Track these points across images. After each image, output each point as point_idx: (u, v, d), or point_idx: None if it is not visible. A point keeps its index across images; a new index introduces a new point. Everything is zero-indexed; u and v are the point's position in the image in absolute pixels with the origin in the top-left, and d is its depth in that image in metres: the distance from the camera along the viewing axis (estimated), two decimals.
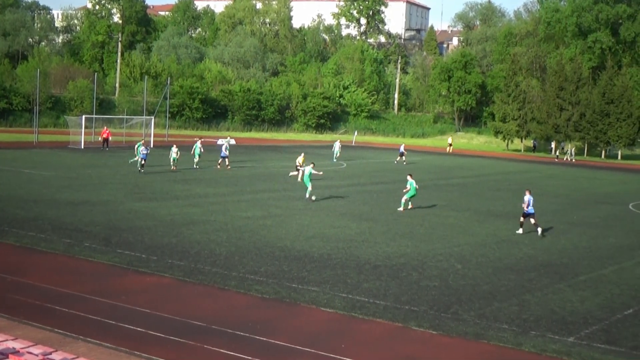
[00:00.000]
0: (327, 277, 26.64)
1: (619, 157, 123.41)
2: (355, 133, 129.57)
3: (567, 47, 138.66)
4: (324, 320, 21.78)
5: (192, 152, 65.07)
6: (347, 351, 19.06)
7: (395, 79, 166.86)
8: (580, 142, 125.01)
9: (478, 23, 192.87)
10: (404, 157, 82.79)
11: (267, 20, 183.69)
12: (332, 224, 38.37)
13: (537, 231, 38.64)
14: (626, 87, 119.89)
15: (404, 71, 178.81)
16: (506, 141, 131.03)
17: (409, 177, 45.51)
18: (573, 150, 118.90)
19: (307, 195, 46.86)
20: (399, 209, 44.56)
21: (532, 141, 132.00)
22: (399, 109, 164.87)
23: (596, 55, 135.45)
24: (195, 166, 63.79)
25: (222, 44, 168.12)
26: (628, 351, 20.45)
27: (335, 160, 79.50)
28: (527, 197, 39.03)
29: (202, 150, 65.58)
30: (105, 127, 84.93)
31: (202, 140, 70.33)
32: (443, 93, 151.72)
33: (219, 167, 64.73)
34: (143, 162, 58.30)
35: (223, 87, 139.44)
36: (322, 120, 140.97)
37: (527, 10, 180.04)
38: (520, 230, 39.31)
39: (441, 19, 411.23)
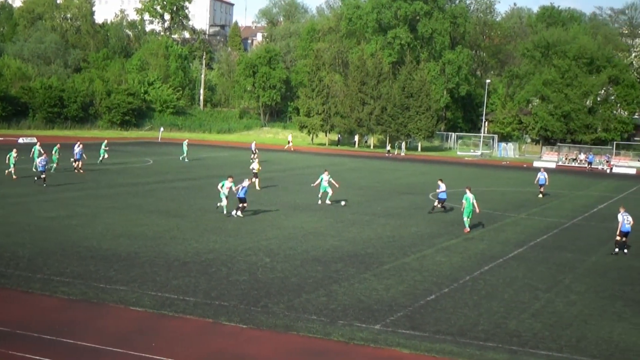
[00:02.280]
0: (135, 275, 26.38)
1: (419, 149, 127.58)
2: (161, 129, 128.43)
3: (368, 43, 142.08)
4: (133, 319, 21.56)
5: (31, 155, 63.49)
6: (158, 349, 18.97)
7: (201, 74, 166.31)
8: (383, 134, 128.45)
9: (282, 19, 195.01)
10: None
11: (69, 15, 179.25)
12: (139, 222, 37.94)
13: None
14: (424, 82, 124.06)
15: (209, 67, 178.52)
16: (311, 135, 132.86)
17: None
18: (403, 145, 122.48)
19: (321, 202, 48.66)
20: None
21: (337, 135, 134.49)
22: (205, 105, 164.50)
23: (396, 50, 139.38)
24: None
25: (21, 39, 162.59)
26: (431, 335, 21.27)
27: (186, 160, 78.50)
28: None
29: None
30: None
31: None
32: (248, 88, 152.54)
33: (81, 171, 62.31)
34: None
35: (23, 84, 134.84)
36: (127, 117, 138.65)
37: (330, 6, 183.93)
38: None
39: (245, 15, 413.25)
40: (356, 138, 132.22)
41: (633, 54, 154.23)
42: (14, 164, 54.96)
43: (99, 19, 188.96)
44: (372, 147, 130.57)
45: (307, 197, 52.09)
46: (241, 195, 41.61)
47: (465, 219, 40.55)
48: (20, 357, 18.05)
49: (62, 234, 33.56)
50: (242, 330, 21.00)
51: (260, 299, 24.19)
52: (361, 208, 47.65)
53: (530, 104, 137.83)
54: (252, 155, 77.65)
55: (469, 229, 40.41)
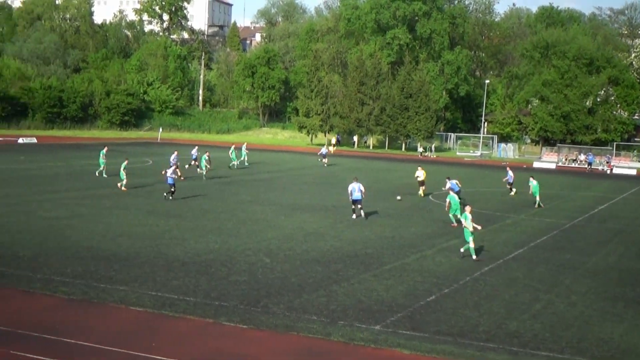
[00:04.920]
0: (135, 275, 26.36)
1: (419, 149, 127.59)
2: (160, 130, 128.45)
3: (367, 43, 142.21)
4: (133, 319, 21.54)
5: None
6: (158, 349, 18.95)
7: (200, 75, 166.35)
8: (382, 135, 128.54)
9: (280, 19, 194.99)
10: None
11: (68, 15, 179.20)
12: (139, 222, 37.94)
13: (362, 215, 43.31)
14: (423, 82, 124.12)
15: (208, 67, 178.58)
16: (310, 136, 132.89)
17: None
18: (433, 147, 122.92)
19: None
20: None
21: (335, 135, 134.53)
22: (204, 105, 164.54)
23: (395, 51, 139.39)
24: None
25: (20, 40, 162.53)
26: (431, 336, 21.25)
27: (246, 164, 77.50)
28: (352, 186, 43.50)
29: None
30: None
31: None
32: (247, 89, 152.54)
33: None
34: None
35: (22, 84, 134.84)
36: (126, 117, 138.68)
37: (328, 7, 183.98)
38: (354, 216, 43.24)
39: (244, 15, 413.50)
40: (355, 138, 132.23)
41: (633, 54, 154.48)
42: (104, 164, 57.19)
43: (98, 19, 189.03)
44: (371, 147, 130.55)
45: (307, 198, 52.10)
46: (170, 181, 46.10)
47: (451, 215, 42.43)
48: (21, 356, 18.02)
49: (62, 234, 33.54)
50: (242, 330, 20.98)
51: (261, 299, 24.17)
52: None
53: (529, 105, 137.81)
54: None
55: (456, 224, 41.38)
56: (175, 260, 29.19)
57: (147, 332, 20.31)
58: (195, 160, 67.72)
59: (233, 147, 77.33)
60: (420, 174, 56.82)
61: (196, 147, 70.85)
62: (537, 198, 54.03)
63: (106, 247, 30.90)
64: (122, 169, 51.54)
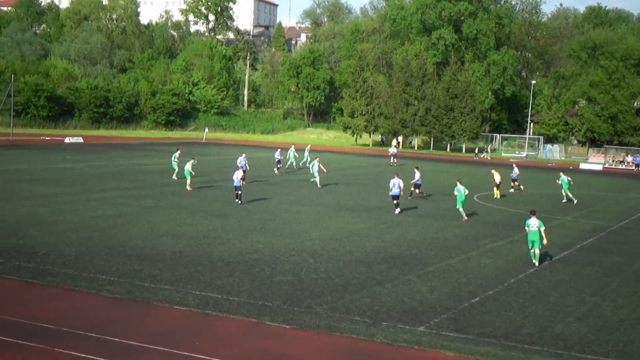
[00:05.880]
0: (179, 275, 26.47)
1: (464, 150, 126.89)
2: (206, 130, 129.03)
3: (412, 44, 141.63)
4: (177, 318, 21.62)
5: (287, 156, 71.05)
6: (202, 348, 19.00)
7: (245, 75, 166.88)
8: (427, 136, 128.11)
9: (325, 20, 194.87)
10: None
11: (114, 16, 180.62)
12: (183, 222, 38.12)
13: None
14: (469, 83, 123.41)
15: (253, 67, 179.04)
16: (355, 136, 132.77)
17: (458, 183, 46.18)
18: (489, 148, 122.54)
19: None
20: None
21: (380, 136, 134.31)
22: (249, 105, 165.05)
23: (440, 51, 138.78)
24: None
25: (67, 40, 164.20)
26: (475, 338, 21.10)
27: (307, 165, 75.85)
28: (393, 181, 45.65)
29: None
30: None
31: None
32: (292, 89, 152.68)
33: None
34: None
35: (70, 84, 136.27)
36: (171, 117, 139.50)
37: (373, 7, 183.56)
38: (397, 211, 45.38)
39: (289, 16, 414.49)
40: (400, 139, 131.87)
41: None
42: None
43: (144, 19, 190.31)
44: (416, 148, 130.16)
45: (351, 198, 52.05)
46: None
47: (460, 209, 44.33)
48: (66, 354, 18.16)
49: (107, 233, 33.80)
50: (285, 330, 20.98)
51: (304, 299, 24.16)
52: (404, 209, 47.41)
53: (576, 105, 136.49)
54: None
55: (466, 218, 44.25)
56: (219, 259, 29.28)
57: (191, 332, 20.37)
58: (279, 162, 69.34)
59: (293, 147, 78.18)
60: (497, 176, 57.11)
61: (279, 150, 70.80)
62: (567, 193, 56.15)
63: (151, 246, 31.08)
64: (189, 167, 51.89)
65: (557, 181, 57.26)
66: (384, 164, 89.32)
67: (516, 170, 63.64)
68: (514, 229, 40.96)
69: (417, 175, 54.38)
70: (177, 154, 59.39)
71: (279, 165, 68.86)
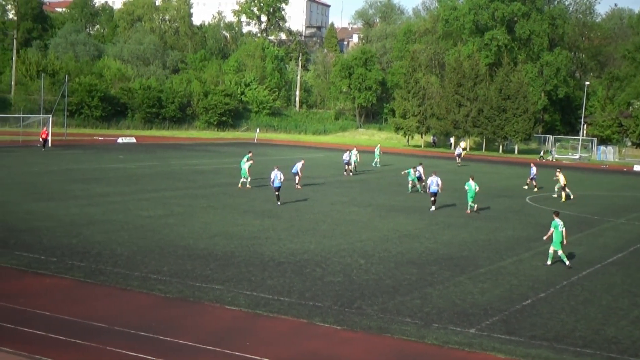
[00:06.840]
0: (231, 275, 26.60)
1: (516, 151, 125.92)
2: (257, 130, 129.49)
3: (465, 44, 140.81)
4: (228, 318, 21.73)
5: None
6: (252, 349, 19.07)
7: (297, 76, 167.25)
8: (479, 137, 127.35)
9: (378, 20, 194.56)
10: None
11: (167, 17, 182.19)
12: (234, 222, 38.30)
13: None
14: (522, 84, 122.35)
15: (305, 68, 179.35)
16: (407, 137, 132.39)
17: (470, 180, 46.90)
18: (554, 150, 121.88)
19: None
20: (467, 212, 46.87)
21: (431, 137, 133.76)
22: (301, 106, 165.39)
23: (493, 52, 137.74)
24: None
25: (121, 41, 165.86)
26: (527, 340, 20.95)
27: (377, 165, 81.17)
28: (431, 179, 46.91)
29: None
30: (44, 128, 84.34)
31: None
32: (344, 90, 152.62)
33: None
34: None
35: (123, 84, 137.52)
36: (223, 118, 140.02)
37: (426, 8, 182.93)
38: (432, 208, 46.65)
39: (341, 16, 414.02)
40: (452, 140, 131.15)
41: None
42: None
43: (196, 20, 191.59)
44: (468, 149, 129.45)
45: (403, 199, 51.95)
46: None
47: (469, 202, 46.89)
48: (118, 353, 18.34)
49: (159, 232, 34.08)
50: (336, 331, 20.99)
51: (355, 300, 24.16)
52: (455, 211, 47.25)
53: (630, 107, 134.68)
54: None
55: (469, 211, 46.73)
56: (270, 260, 29.38)
57: (242, 332, 20.46)
58: (347, 164, 69.63)
59: (379, 146, 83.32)
60: (562, 179, 56.86)
61: (347, 152, 70.88)
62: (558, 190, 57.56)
63: (202, 246, 31.27)
64: (247, 168, 53.15)
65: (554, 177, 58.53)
66: (436, 165, 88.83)
67: (534, 169, 64.05)
68: (567, 231, 40.53)
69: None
70: (249, 155, 56.25)
71: (347, 167, 69.14)
